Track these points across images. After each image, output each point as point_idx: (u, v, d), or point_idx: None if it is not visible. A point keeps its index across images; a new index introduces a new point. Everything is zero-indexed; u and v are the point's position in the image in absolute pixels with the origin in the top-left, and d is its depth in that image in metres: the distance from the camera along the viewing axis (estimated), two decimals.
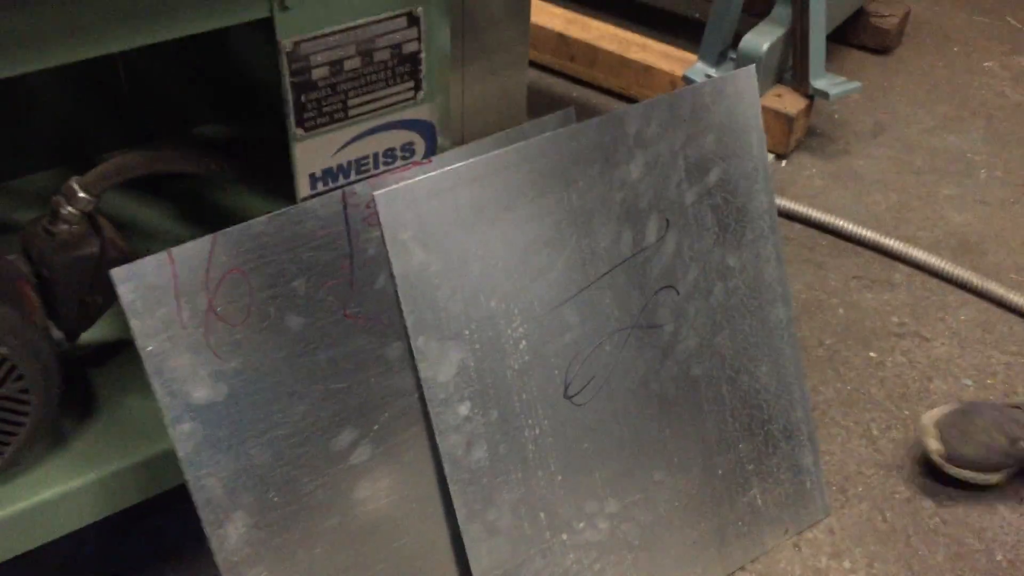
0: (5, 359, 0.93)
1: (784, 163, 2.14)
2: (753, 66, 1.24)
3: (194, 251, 0.92)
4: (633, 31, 2.32)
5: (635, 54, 2.25)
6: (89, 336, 1.11)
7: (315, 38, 0.88)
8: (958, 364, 1.68)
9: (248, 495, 1.00)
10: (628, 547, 1.24)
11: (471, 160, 1.02)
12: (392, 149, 1.02)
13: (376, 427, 1.07)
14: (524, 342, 1.11)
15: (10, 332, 0.92)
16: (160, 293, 0.91)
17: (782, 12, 2.08)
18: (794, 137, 2.13)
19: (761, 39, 2.06)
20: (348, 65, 0.92)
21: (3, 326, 0.92)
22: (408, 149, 1.03)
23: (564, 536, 1.18)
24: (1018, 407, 1.47)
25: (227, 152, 1.43)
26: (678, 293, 1.22)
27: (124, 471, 1.06)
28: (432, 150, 1.05)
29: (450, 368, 1.07)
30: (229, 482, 0.99)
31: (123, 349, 1.18)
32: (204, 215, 1.34)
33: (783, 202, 1.98)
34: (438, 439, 1.07)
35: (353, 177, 1.01)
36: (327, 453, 1.04)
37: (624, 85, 2.29)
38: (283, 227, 0.96)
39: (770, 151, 2.15)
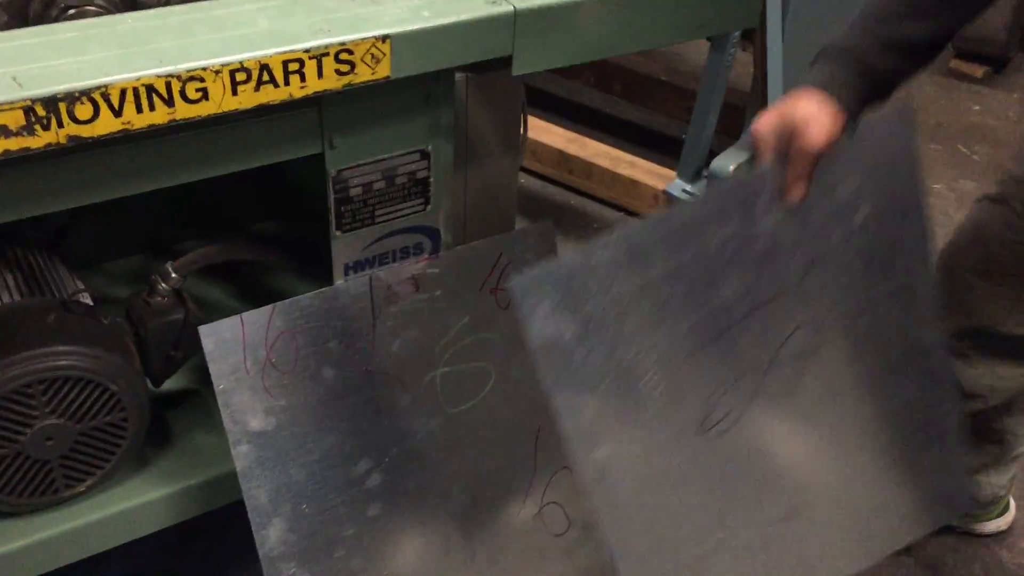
0: (114, 394, 1.25)
1: None
2: (911, 106, 1.18)
3: (258, 316, 1.25)
4: (624, 149, 2.68)
5: (625, 170, 2.61)
6: (169, 384, 1.43)
7: (352, 167, 1.23)
8: None
9: (286, 505, 1.31)
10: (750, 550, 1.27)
11: (605, 238, 1.07)
12: (407, 247, 1.36)
13: (387, 460, 1.38)
14: (660, 388, 1.16)
15: (120, 375, 1.25)
16: (232, 346, 1.24)
17: (748, 138, 2.44)
18: None
19: (729, 161, 2.41)
20: (376, 186, 1.27)
21: (115, 370, 1.24)
22: (419, 247, 1.37)
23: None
24: None
25: (277, 245, 1.78)
26: (816, 330, 1.23)
27: (191, 488, 1.36)
28: (437, 249, 1.39)
29: (586, 418, 1.13)
30: (272, 494, 1.30)
31: (192, 396, 1.50)
32: (258, 292, 1.68)
33: None
34: (578, 472, 1.14)
35: (377, 266, 1.35)
36: (348, 477, 1.35)
37: (615, 196, 2.65)
38: (324, 301, 1.29)
39: None
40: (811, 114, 1.02)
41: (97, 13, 1.07)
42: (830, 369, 1.25)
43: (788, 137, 1.04)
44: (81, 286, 1.38)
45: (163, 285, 1.36)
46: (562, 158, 2.68)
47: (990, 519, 1.77)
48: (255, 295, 1.67)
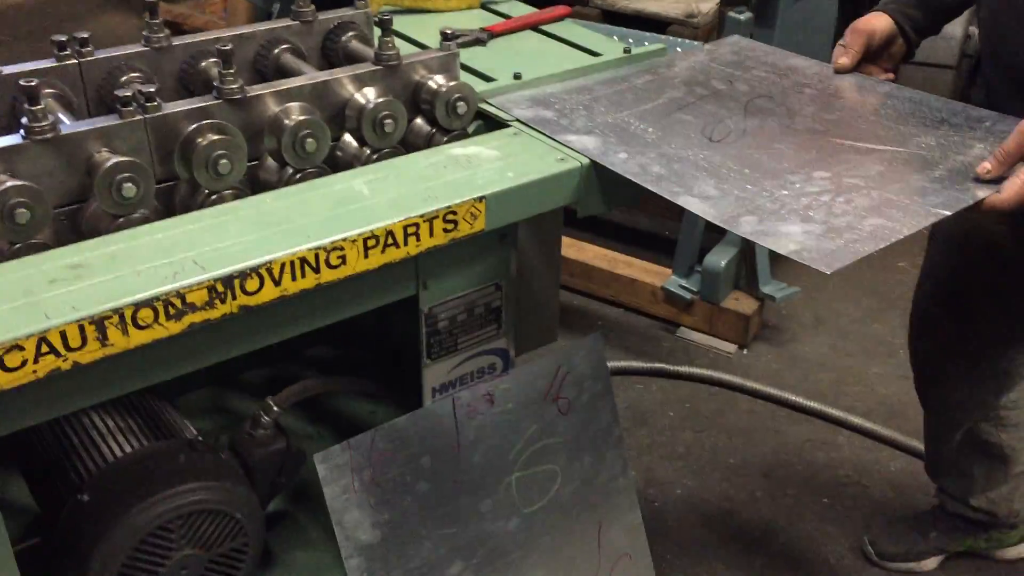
0: (238, 522, 1.40)
1: (745, 351, 2.67)
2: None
3: (362, 441, 1.41)
4: (620, 251, 2.90)
5: (622, 270, 2.82)
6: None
7: (441, 303, 1.42)
8: (892, 506, 2.17)
9: None
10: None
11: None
12: (482, 368, 1.54)
13: (475, 560, 1.54)
14: (651, 130, 1.47)
15: (243, 504, 1.39)
16: (342, 469, 1.40)
17: (734, 235, 2.67)
18: (751, 331, 2.68)
19: (720, 257, 2.64)
20: (459, 318, 1.45)
21: (239, 500, 1.39)
22: (492, 368, 1.55)
23: (784, 191, 1.33)
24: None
25: (336, 369, 1.94)
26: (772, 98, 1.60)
27: None
28: (507, 367, 1.57)
29: (593, 145, 1.40)
30: None
31: (286, 517, 1.64)
32: (326, 413, 1.83)
33: (747, 383, 2.50)
34: (617, 169, 1.35)
35: (458, 387, 1.52)
36: None
37: (614, 294, 2.86)
38: (416, 422, 1.45)
39: (732, 342, 2.69)
40: (868, 18, 1.63)
41: (233, 196, 1.25)
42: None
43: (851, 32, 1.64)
44: (192, 427, 1.52)
45: (266, 418, 1.51)
46: (563, 262, 2.89)
47: (1012, 545, 1.97)
48: (325, 415, 1.83)
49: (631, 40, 1.72)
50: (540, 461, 1.60)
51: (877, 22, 1.63)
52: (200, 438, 1.50)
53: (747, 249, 2.65)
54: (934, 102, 1.58)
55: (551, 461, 1.62)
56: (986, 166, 1.31)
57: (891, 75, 1.67)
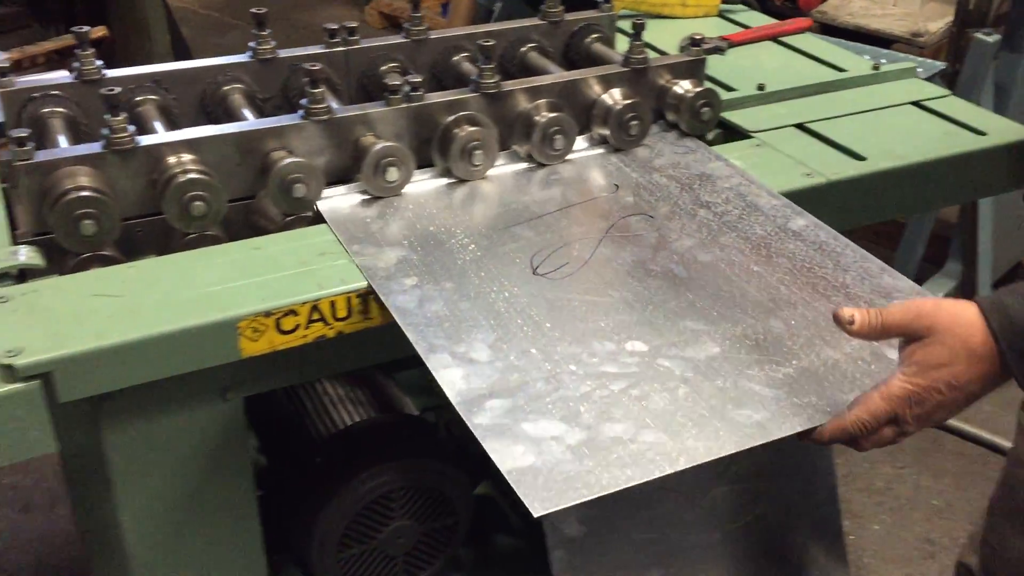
0: (451, 501, 1.44)
1: None
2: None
3: None
4: None
5: None
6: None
7: None
8: None
9: None
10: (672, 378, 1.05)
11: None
12: None
13: (673, 570, 1.53)
14: (472, 246, 1.20)
15: (457, 485, 1.44)
16: None
17: (953, 267, 2.55)
18: None
19: (935, 289, 2.52)
20: None
21: (454, 481, 1.43)
22: None
23: (572, 367, 1.04)
24: None
25: None
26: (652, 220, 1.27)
27: None
28: None
29: (389, 260, 1.14)
30: None
31: (489, 501, 1.68)
32: None
33: (956, 424, 2.38)
34: (386, 302, 1.09)
35: None
36: None
37: None
38: None
39: None
40: None
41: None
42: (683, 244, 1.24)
43: None
44: (411, 404, 1.59)
45: None
46: None
47: None
48: None
49: (883, 60, 1.67)
50: (750, 478, 1.58)
51: None
52: (420, 416, 1.56)
53: (965, 282, 2.52)
54: (850, 255, 1.21)
55: (760, 479, 1.59)
56: (853, 315, 0.97)
57: None
